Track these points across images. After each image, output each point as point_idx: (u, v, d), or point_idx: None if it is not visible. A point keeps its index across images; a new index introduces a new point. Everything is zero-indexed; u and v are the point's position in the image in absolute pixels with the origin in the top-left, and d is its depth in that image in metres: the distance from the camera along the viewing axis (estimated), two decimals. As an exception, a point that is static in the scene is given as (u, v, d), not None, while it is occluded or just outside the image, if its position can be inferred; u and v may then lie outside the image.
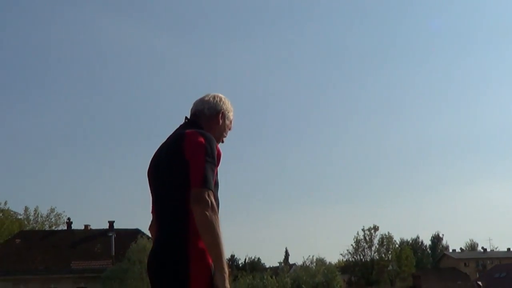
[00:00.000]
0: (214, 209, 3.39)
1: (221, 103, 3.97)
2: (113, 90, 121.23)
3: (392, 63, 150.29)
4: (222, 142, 4.01)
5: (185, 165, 3.49)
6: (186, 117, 3.92)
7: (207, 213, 3.34)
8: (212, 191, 3.43)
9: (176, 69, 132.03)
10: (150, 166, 3.80)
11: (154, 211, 3.73)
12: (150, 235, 3.88)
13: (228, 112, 3.99)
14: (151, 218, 3.82)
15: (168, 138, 3.76)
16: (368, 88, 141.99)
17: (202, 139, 3.56)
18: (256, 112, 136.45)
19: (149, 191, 3.76)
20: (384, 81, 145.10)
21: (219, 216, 3.55)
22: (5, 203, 68.42)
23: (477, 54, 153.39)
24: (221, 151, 3.69)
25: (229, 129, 4.05)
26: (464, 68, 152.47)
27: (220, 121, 3.92)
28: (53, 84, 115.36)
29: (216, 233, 3.35)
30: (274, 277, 37.77)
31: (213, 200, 3.40)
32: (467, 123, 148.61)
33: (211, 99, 3.98)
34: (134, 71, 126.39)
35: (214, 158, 3.55)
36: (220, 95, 4.04)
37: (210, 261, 3.40)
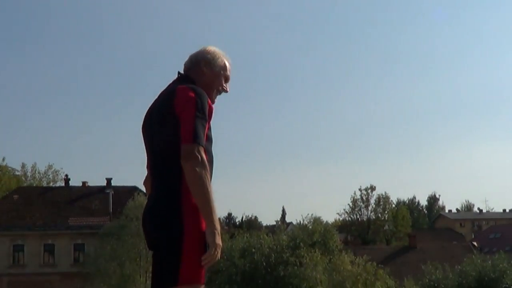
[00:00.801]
0: (205, 165, 3.36)
1: (205, 51, 3.85)
2: (109, 47, 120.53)
3: (390, 23, 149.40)
4: (225, 91, 3.89)
5: (176, 121, 3.45)
6: (178, 72, 3.83)
7: (197, 169, 3.32)
8: (202, 146, 3.39)
9: (174, 23, 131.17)
10: (143, 121, 3.76)
11: (148, 166, 3.71)
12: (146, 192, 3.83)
13: (213, 59, 3.81)
14: (146, 173, 3.80)
15: (160, 94, 3.71)
16: (366, 46, 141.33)
17: (192, 94, 3.50)
18: (253, 68, 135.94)
19: (144, 147, 3.73)
20: (383, 38, 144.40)
21: (213, 171, 3.55)
22: (3, 159, 68.42)
23: (470, 14, 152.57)
24: (213, 106, 3.63)
25: (227, 78, 3.89)
26: (459, 27, 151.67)
27: (205, 70, 3.77)
28: (49, 40, 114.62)
29: (206, 189, 3.33)
30: (271, 235, 37.93)
31: (203, 156, 3.37)
32: (466, 83, 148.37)
33: (198, 51, 3.87)
34: (131, 25, 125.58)
35: (204, 113, 3.49)
36: (210, 46, 3.90)
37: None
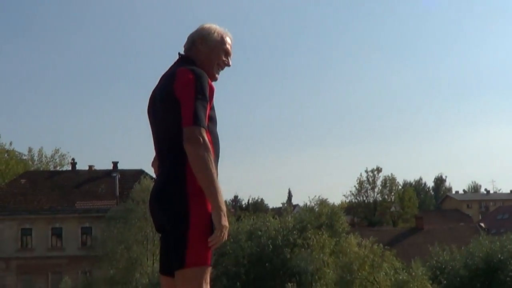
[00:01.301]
0: (207, 146, 3.37)
1: (200, 29, 3.81)
2: (115, 28, 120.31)
3: (404, 4, 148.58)
4: (228, 65, 3.84)
5: (177, 104, 3.46)
6: (179, 53, 3.82)
7: (199, 151, 3.34)
8: (204, 128, 3.40)
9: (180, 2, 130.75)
10: (148, 104, 3.77)
11: (155, 148, 3.73)
12: (154, 175, 3.88)
13: (209, 35, 3.76)
14: (154, 155, 3.83)
15: (162, 77, 3.71)
16: (373, 28, 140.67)
17: (191, 76, 3.50)
18: (262, 52, 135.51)
19: (151, 129, 3.75)
20: (390, 22, 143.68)
21: (219, 152, 3.60)
22: (10, 143, 68.57)
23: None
24: (214, 86, 3.60)
25: (227, 52, 3.82)
26: (470, 12, 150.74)
27: (200, 47, 3.74)
28: (56, 22, 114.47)
29: (209, 171, 3.34)
30: (278, 217, 37.90)
31: (205, 138, 3.38)
32: (471, 66, 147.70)
33: (195, 30, 3.84)
34: (136, 5, 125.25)
35: (204, 95, 3.47)
36: (206, 23, 3.85)
37: None
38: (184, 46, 3.82)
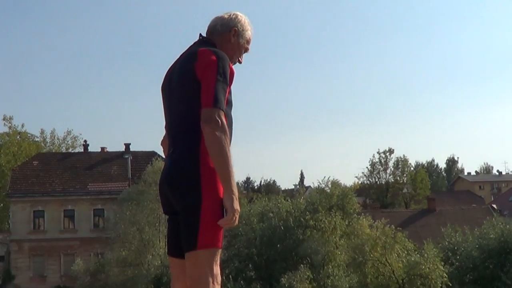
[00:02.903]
0: (224, 129, 3.38)
1: (236, 20, 3.80)
2: (129, 10, 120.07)
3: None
4: (240, 62, 3.87)
5: (197, 84, 3.45)
6: (200, 34, 3.79)
7: (216, 133, 3.34)
8: (223, 110, 3.40)
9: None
10: (163, 81, 3.75)
11: (167, 127, 3.72)
12: (163, 155, 3.83)
13: (243, 31, 3.80)
14: (164, 134, 3.82)
15: (181, 56, 3.70)
16: (386, 8, 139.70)
17: (214, 58, 3.48)
18: (274, 34, 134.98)
19: (163, 108, 3.73)
20: (404, 4, 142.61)
21: (232, 134, 3.56)
22: (22, 125, 68.75)
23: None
24: (234, 70, 3.60)
25: (246, 50, 3.89)
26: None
27: (232, 39, 3.76)
28: (70, 8, 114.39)
29: (225, 154, 3.34)
30: (289, 199, 37.89)
31: (223, 120, 3.38)
32: (484, 48, 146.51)
33: (225, 15, 3.82)
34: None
35: (226, 77, 3.48)
36: (238, 12, 3.86)
37: None
38: (209, 28, 3.80)
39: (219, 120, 3.34)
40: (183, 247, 3.41)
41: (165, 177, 3.52)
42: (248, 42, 3.84)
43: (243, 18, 3.84)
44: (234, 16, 3.81)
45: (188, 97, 3.48)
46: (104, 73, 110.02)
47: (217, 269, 3.40)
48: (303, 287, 29.71)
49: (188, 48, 3.70)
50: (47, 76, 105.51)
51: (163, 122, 3.72)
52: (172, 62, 3.73)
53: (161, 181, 3.58)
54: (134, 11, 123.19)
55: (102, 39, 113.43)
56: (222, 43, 3.71)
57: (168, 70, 3.73)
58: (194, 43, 3.73)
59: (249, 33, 3.83)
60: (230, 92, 3.57)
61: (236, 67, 3.71)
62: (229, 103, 3.57)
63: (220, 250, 3.45)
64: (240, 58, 3.84)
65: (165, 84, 3.70)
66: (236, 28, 3.76)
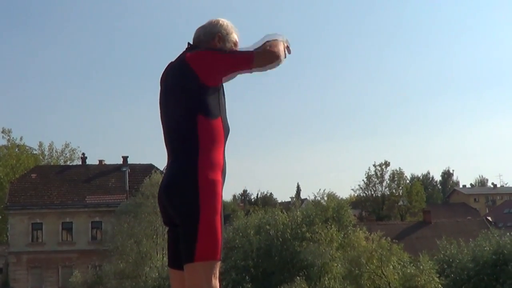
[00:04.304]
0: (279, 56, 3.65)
1: (218, 26, 3.77)
2: (127, 25, 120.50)
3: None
4: None
5: (196, 84, 3.48)
6: (188, 43, 3.77)
7: (276, 51, 3.62)
8: (252, 53, 3.58)
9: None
10: (159, 96, 3.74)
11: (164, 136, 3.66)
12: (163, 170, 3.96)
13: (227, 35, 3.76)
14: (165, 151, 3.73)
15: (169, 65, 3.71)
16: (381, 20, 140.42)
17: (203, 50, 3.59)
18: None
19: (161, 121, 3.71)
20: (400, 12, 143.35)
21: (226, 143, 3.59)
22: (21, 138, 68.95)
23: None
24: None
25: None
26: (488, 6, 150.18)
27: (218, 45, 3.71)
28: (69, 20, 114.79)
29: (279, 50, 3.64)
30: (285, 211, 38.09)
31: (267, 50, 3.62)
32: (479, 60, 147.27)
33: (206, 24, 3.80)
34: (150, 4, 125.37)
35: (224, 50, 3.66)
36: (219, 18, 3.83)
37: (219, 189, 3.44)
38: (195, 38, 3.79)
39: (276, 51, 3.60)
40: (182, 259, 3.41)
41: (164, 189, 3.50)
42: (235, 44, 3.78)
43: (225, 22, 3.80)
44: (215, 22, 3.78)
45: (182, 108, 3.47)
46: (102, 86, 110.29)
47: (215, 282, 3.39)
48: (300, 298, 29.91)
49: (177, 58, 3.66)
50: (46, 89, 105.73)
51: (161, 136, 3.64)
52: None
53: (159, 193, 3.54)
54: (132, 24, 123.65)
55: (101, 52, 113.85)
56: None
57: (160, 80, 3.74)
58: (183, 52, 3.68)
59: (234, 35, 3.78)
60: (224, 95, 3.61)
61: (231, 80, 3.70)
62: (223, 108, 3.59)
63: (219, 263, 3.43)
64: None
65: (161, 97, 3.69)
66: (220, 34, 3.73)
